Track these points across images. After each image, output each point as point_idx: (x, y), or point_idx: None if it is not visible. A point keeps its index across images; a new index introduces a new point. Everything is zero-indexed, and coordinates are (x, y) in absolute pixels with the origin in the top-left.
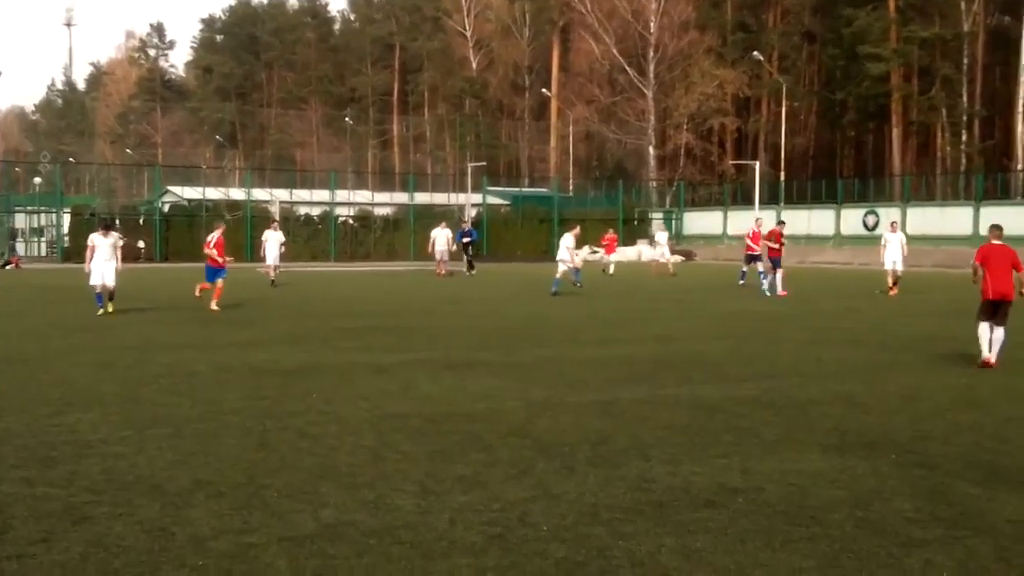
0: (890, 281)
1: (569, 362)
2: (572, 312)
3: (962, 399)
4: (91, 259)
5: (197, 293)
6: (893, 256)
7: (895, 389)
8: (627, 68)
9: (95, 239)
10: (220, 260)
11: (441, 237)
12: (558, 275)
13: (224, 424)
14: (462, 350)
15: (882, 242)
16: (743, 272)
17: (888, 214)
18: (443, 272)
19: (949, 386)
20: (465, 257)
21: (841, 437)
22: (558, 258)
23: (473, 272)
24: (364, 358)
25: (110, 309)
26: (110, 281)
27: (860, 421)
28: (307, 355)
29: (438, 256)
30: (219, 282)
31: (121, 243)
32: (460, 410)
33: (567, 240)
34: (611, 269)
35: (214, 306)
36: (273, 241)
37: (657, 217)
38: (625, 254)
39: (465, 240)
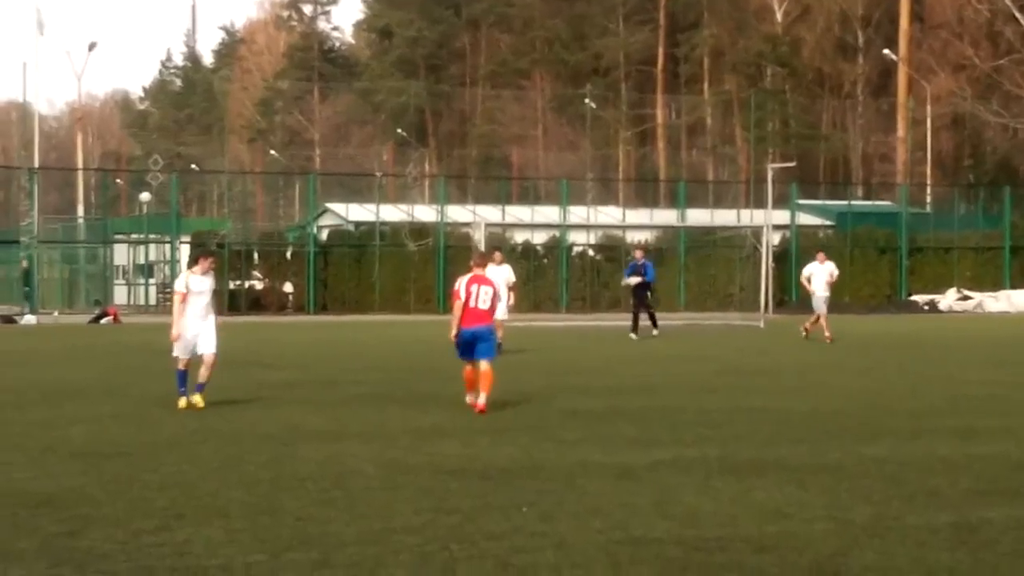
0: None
1: (912, 464)
2: (922, 387)
3: None
4: (182, 313)
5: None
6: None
7: None
8: (1017, 15)
9: (190, 281)
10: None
11: (820, 274)
12: None
13: (393, 548)
14: (749, 445)
15: None
16: None
17: None
18: (817, 329)
19: None
20: (640, 310)
21: None
22: None
23: (655, 332)
24: (601, 455)
25: (199, 403)
26: (209, 348)
27: None
28: (518, 450)
29: (820, 307)
30: (483, 363)
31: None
32: (740, 534)
33: None
34: None
35: (480, 401)
36: (500, 282)
37: None
38: (1016, 300)
39: (634, 281)
